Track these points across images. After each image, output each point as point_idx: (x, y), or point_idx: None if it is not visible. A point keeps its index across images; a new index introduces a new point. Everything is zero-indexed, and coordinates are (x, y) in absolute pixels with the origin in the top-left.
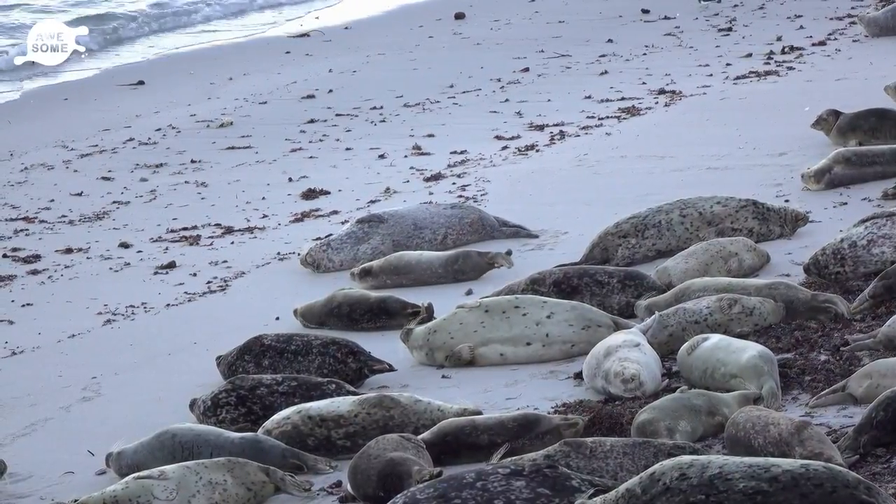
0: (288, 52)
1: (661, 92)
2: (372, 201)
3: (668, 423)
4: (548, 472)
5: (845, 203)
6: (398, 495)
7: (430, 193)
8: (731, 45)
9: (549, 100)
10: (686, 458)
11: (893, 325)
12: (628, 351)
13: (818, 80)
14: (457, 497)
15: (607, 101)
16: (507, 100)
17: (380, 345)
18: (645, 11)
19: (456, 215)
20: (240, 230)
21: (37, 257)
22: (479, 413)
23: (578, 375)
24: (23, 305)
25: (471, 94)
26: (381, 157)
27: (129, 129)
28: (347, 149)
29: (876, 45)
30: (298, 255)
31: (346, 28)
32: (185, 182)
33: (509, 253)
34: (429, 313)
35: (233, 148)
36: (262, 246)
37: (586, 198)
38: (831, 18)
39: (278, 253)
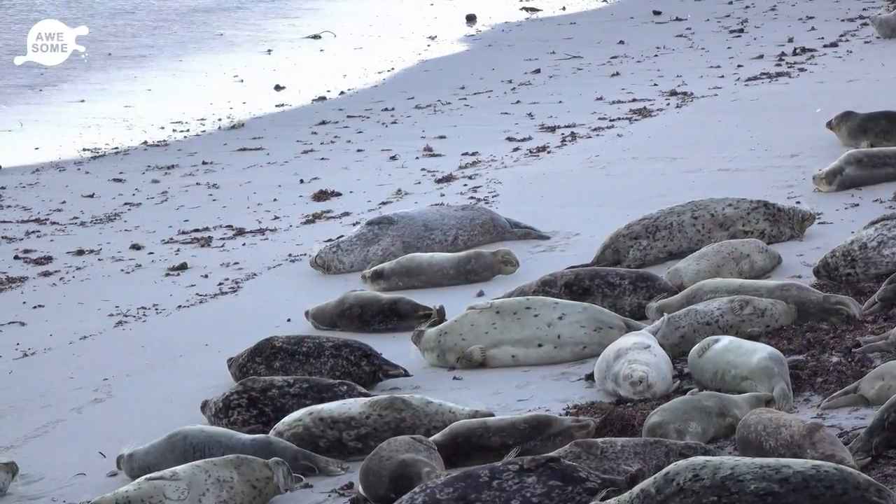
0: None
1: (673, 93)
2: (383, 203)
3: (678, 425)
4: (554, 465)
5: (857, 204)
6: (417, 489)
7: (442, 195)
8: (743, 47)
9: (560, 101)
10: (699, 458)
11: None
12: (638, 353)
13: (830, 81)
14: (476, 500)
15: (619, 102)
16: (518, 101)
17: (391, 346)
18: (656, 13)
19: (467, 216)
20: (251, 232)
21: (48, 259)
22: (491, 415)
23: (590, 377)
24: (34, 307)
25: (482, 96)
26: (393, 158)
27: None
28: (359, 150)
29: (888, 47)
30: (309, 256)
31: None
32: (197, 184)
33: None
34: (440, 315)
35: (244, 149)
36: (274, 247)
37: (598, 199)
38: (843, 20)
39: (290, 254)
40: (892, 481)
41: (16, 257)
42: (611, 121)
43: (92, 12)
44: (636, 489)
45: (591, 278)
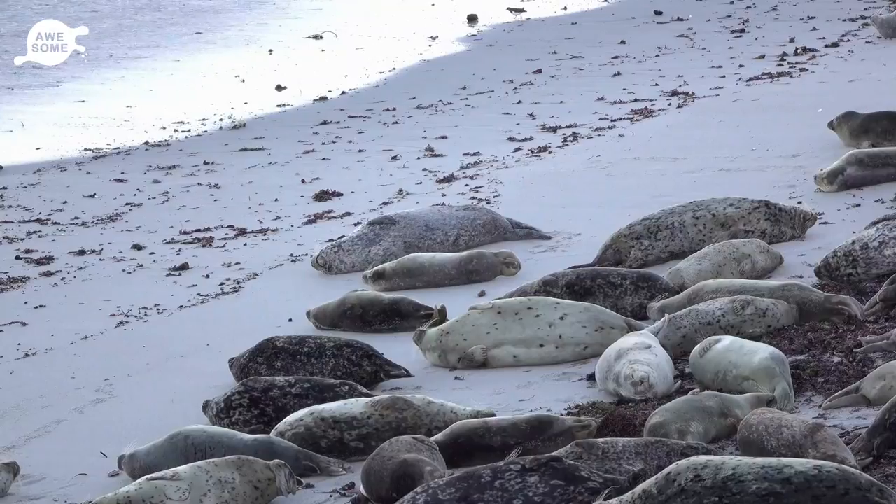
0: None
1: (674, 93)
2: (385, 203)
3: (680, 425)
4: (556, 465)
5: (858, 205)
6: (419, 489)
7: (443, 195)
8: (744, 47)
9: (561, 101)
10: (701, 458)
11: None
12: (639, 353)
13: (831, 81)
14: (479, 500)
15: (620, 102)
16: (519, 101)
17: (392, 346)
18: (658, 13)
19: (468, 217)
20: (253, 232)
21: (50, 259)
22: (492, 415)
23: (591, 377)
24: (36, 307)
25: (483, 96)
26: (394, 158)
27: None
28: (360, 150)
29: (889, 47)
30: (311, 256)
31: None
32: (198, 184)
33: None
34: (442, 315)
35: (245, 149)
36: (275, 247)
37: (599, 199)
38: (844, 20)
39: (291, 254)
40: (893, 481)
41: (17, 257)
42: (612, 121)
43: (92, 12)
44: (638, 489)
45: (592, 278)
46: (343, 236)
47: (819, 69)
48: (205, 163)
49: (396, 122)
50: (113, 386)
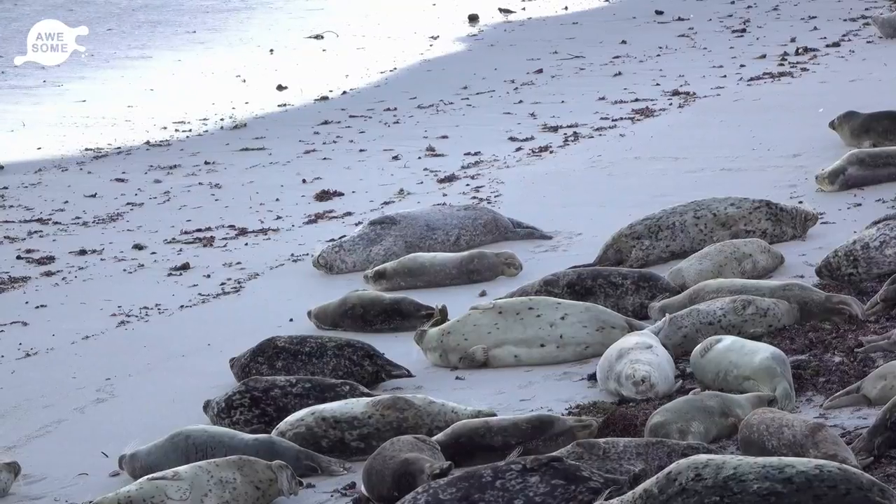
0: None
1: (675, 93)
2: (386, 203)
3: (681, 424)
4: (556, 465)
5: (859, 204)
6: (420, 489)
7: (444, 195)
8: (745, 47)
9: (562, 101)
10: (702, 457)
11: None
12: (640, 353)
13: (832, 81)
14: (480, 499)
15: (621, 102)
16: (520, 101)
17: (393, 346)
18: (659, 13)
19: (469, 216)
20: (253, 231)
21: (51, 259)
22: (493, 415)
23: (592, 377)
24: (37, 307)
25: (484, 96)
26: (395, 158)
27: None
28: (361, 150)
29: (890, 47)
30: (312, 256)
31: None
32: (199, 183)
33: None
34: (443, 315)
35: (246, 149)
36: (276, 247)
37: (600, 199)
38: (845, 20)
39: (292, 254)
40: (894, 481)
41: (18, 257)
42: (613, 121)
43: (92, 12)
44: (639, 489)
45: (593, 278)
46: (344, 236)
47: (820, 69)
48: (206, 162)
49: (397, 122)
50: (114, 386)
